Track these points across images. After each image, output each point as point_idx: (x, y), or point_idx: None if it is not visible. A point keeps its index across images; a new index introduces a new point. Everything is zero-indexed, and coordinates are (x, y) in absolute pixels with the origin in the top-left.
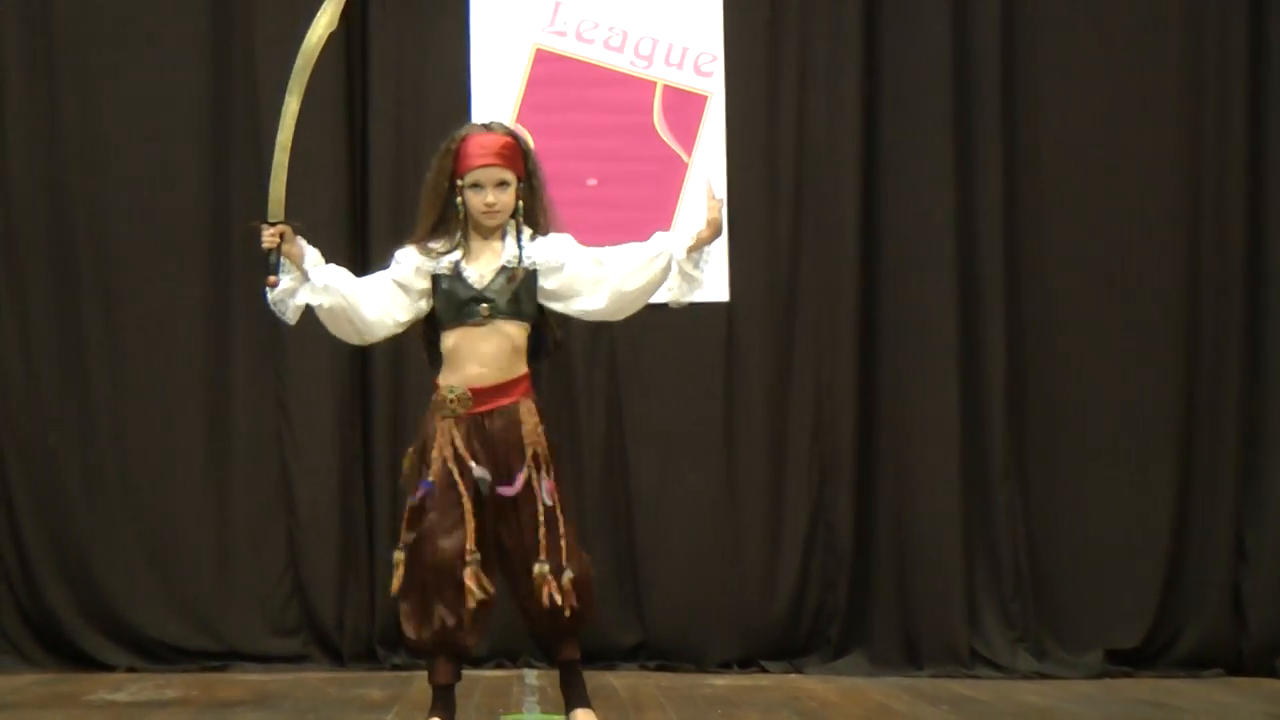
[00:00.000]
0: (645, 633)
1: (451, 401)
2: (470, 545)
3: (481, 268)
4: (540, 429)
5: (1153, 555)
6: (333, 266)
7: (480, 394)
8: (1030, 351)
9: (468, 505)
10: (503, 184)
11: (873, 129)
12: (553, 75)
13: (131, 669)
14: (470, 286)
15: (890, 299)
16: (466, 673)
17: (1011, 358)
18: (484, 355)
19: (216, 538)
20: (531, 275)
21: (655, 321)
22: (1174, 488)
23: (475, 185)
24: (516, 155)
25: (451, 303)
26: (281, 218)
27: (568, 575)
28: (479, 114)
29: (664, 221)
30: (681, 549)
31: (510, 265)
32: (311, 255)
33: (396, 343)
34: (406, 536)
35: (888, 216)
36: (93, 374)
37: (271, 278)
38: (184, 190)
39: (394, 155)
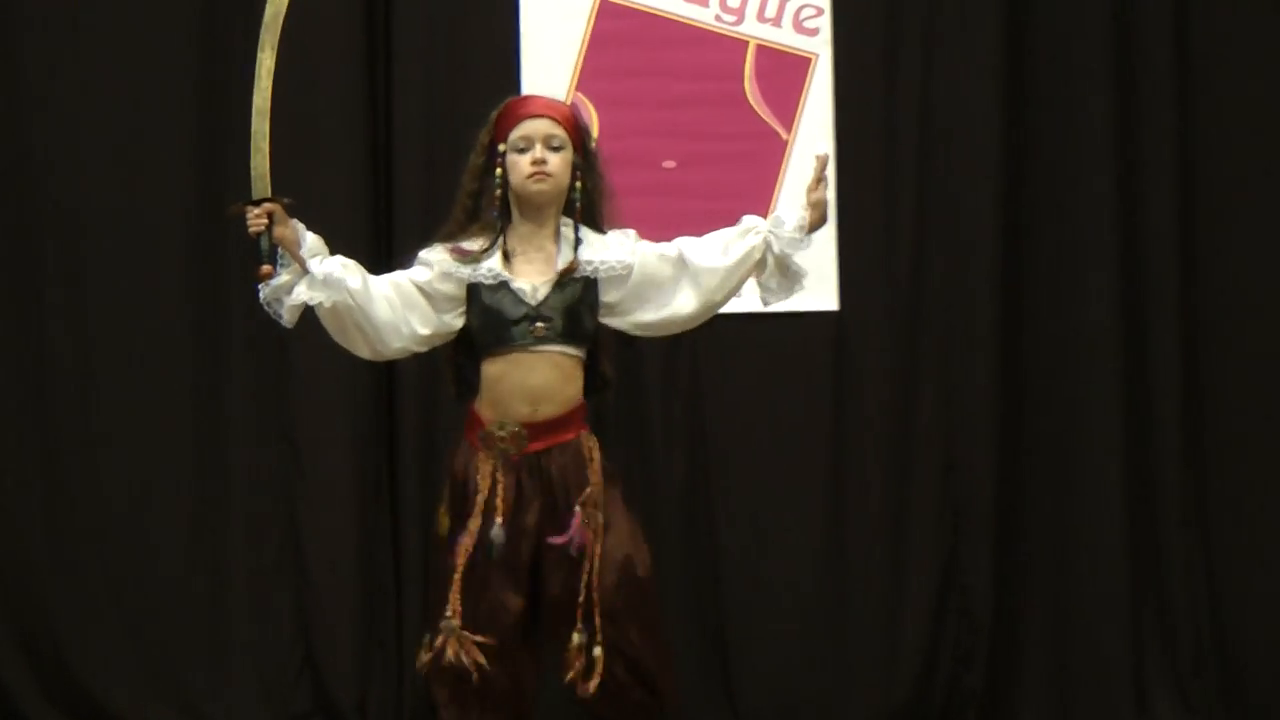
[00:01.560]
0: (734, 713)
1: (503, 440)
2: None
3: (531, 275)
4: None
5: None
6: (339, 258)
7: (536, 429)
8: (1212, 371)
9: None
10: (555, 146)
11: (1015, 98)
12: (620, 33)
13: None
14: (520, 300)
15: (1039, 308)
16: None
17: (1189, 378)
18: (535, 390)
19: (209, 602)
20: (592, 285)
21: (745, 337)
22: None
23: (521, 146)
24: (573, 124)
25: (495, 321)
26: (268, 194)
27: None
28: (529, 83)
29: (758, 210)
30: (779, 619)
31: (570, 272)
32: (310, 242)
33: (430, 359)
34: (445, 610)
35: (1034, 207)
36: (58, 400)
37: (264, 267)
38: (168, 187)
39: (424, 137)
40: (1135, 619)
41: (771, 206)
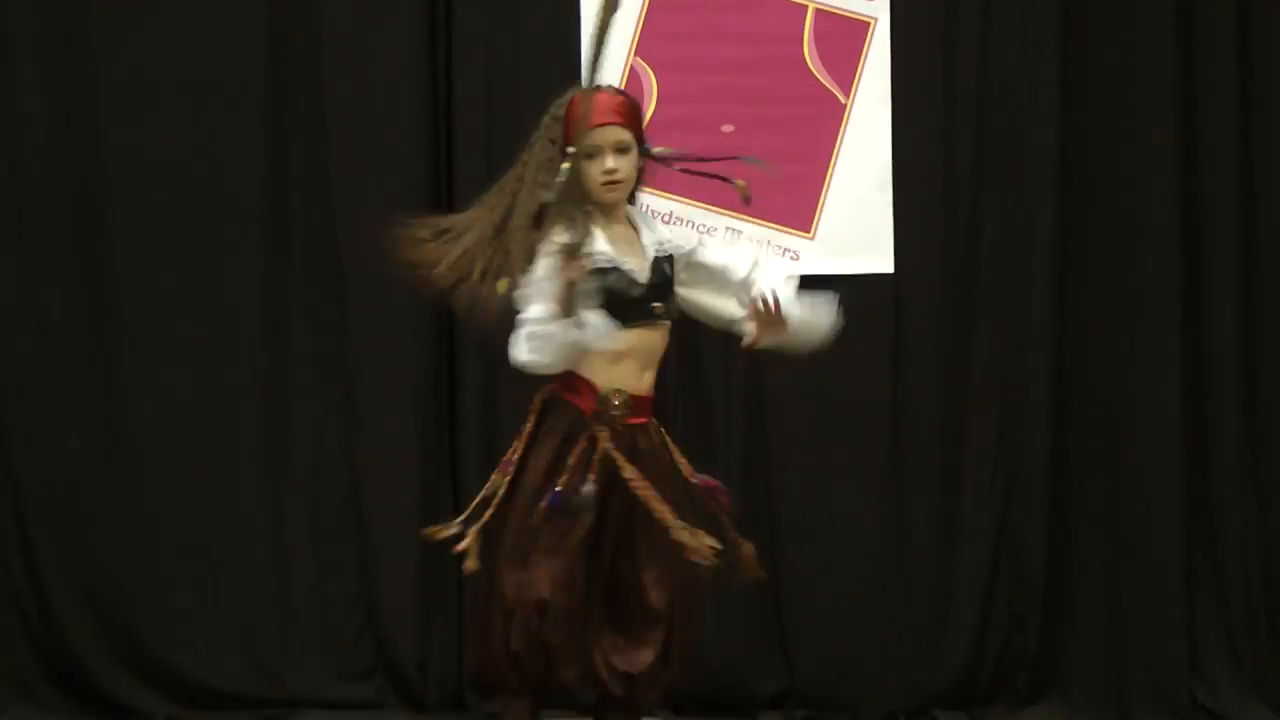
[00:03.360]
0: (792, 679)
1: (617, 407)
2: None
3: (630, 257)
4: None
5: None
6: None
7: (639, 403)
8: (1270, 331)
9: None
10: (623, 148)
11: (1076, 61)
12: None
13: (172, 718)
14: (637, 281)
15: (1096, 273)
16: None
17: (1247, 344)
18: (653, 362)
19: (274, 563)
20: (671, 263)
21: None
22: None
23: (590, 153)
24: (635, 117)
25: (618, 302)
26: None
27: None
28: (588, 45)
29: (817, 178)
30: (835, 580)
31: (661, 253)
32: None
33: (486, 328)
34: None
35: (1092, 171)
36: (123, 368)
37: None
38: (237, 155)
39: (485, 106)
40: (1189, 581)
41: (830, 170)
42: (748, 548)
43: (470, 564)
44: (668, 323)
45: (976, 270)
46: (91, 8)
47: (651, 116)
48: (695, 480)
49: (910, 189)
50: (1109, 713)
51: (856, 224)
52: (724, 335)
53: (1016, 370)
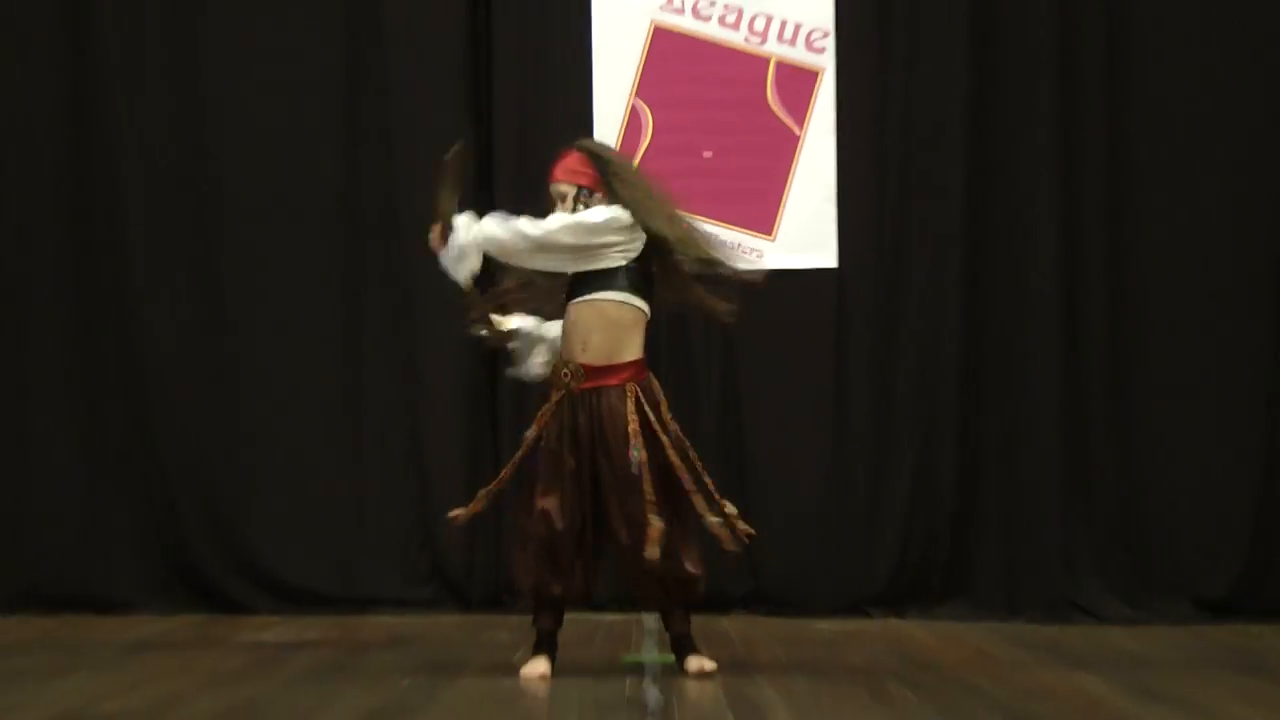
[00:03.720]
0: (756, 580)
1: (568, 375)
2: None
3: None
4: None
5: (1241, 510)
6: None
7: (590, 371)
8: (1129, 315)
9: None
10: (562, 195)
11: (980, 102)
12: (670, 52)
13: (274, 613)
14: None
15: (994, 267)
16: (589, 617)
17: (1111, 322)
18: (589, 337)
19: (354, 495)
20: None
21: (765, 290)
22: (1262, 449)
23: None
24: (577, 169)
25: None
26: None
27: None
28: (600, 90)
29: (776, 192)
30: (791, 501)
31: None
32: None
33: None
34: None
35: (992, 187)
36: (236, 343)
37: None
38: (315, 152)
39: (517, 134)
40: (1064, 507)
41: (787, 187)
42: (656, 526)
43: (460, 515)
44: (591, 299)
45: (902, 263)
46: (207, 56)
47: (648, 145)
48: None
49: (851, 202)
50: (1002, 609)
51: (808, 229)
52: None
53: (931, 340)
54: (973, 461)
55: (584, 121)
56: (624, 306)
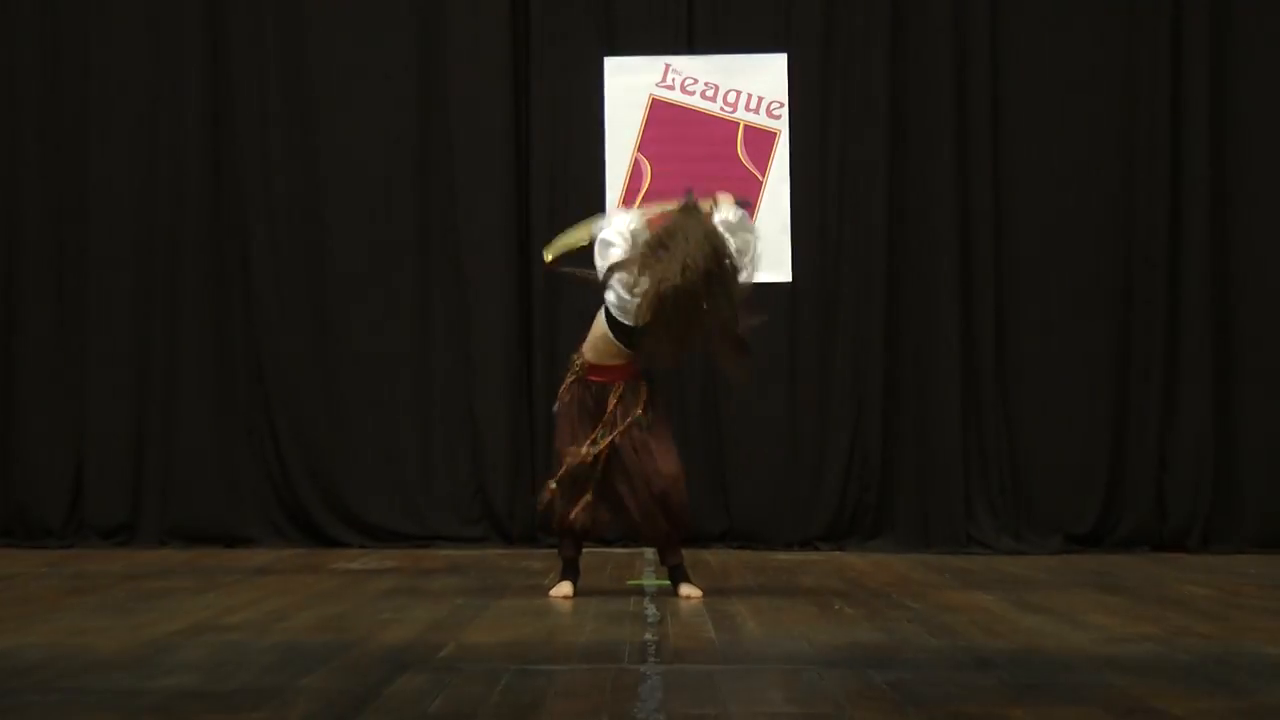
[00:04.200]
0: (730, 521)
1: (578, 367)
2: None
3: None
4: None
5: (1098, 465)
6: None
7: (593, 369)
8: (1011, 309)
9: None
10: None
11: (897, 154)
12: (664, 118)
13: (361, 547)
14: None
15: (910, 278)
16: (602, 550)
17: (997, 315)
18: (608, 356)
19: (422, 453)
20: None
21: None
22: (1115, 419)
23: None
24: None
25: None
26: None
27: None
28: (610, 147)
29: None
30: (757, 459)
31: None
32: None
33: (552, 311)
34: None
35: (909, 216)
36: (333, 338)
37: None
38: (397, 189)
39: (549, 175)
40: (966, 462)
41: (754, 220)
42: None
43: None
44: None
45: (839, 276)
46: (320, 118)
47: (647, 189)
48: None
49: (801, 230)
50: (919, 543)
51: (770, 252)
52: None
53: (864, 332)
54: (895, 429)
55: (597, 172)
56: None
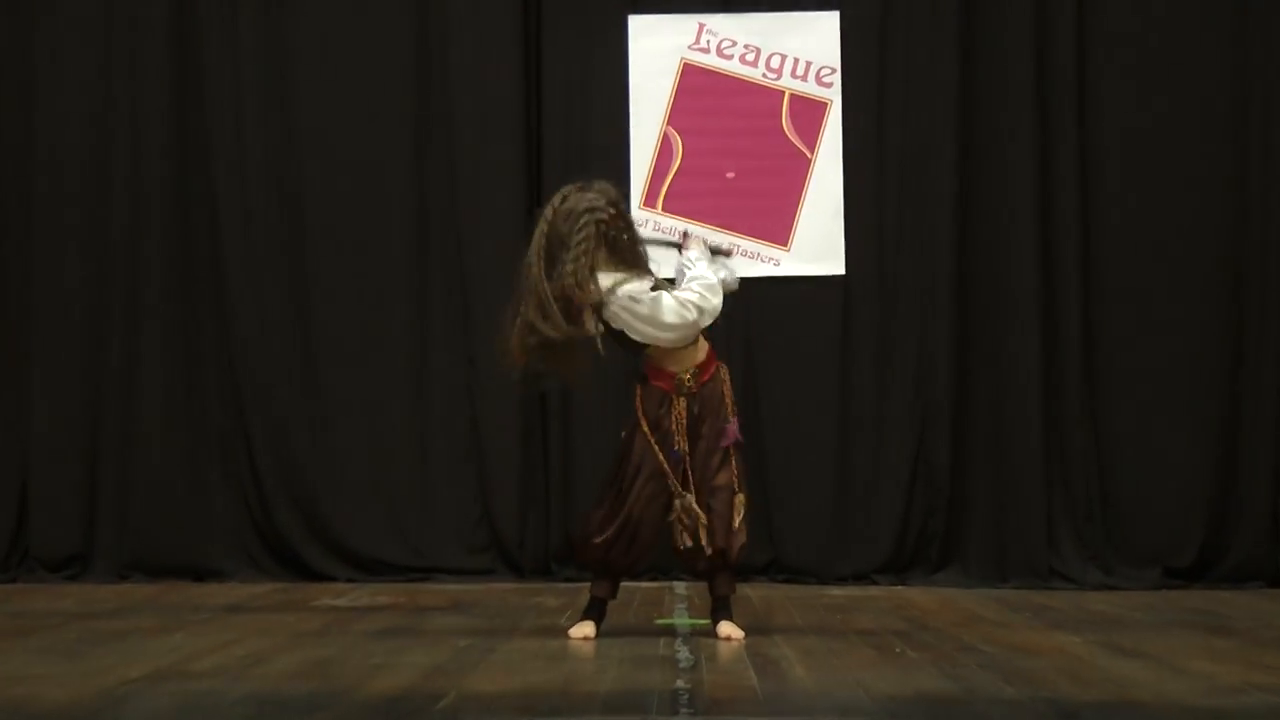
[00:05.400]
0: (775, 551)
1: (688, 381)
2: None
3: None
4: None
5: (1203, 489)
6: None
7: (700, 368)
8: (1099, 314)
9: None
10: None
11: (965, 131)
12: (698, 86)
13: (349, 580)
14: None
15: (981, 273)
16: (627, 585)
17: (1084, 321)
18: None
19: (420, 473)
20: None
21: (782, 294)
22: (1223, 433)
23: None
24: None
25: None
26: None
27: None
28: (635, 120)
29: (791, 208)
30: (806, 483)
31: None
32: None
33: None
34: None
35: (979, 203)
36: (317, 338)
37: None
38: (391, 184)
39: (563, 156)
40: (1048, 485)
41: (800, 203)
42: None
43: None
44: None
45: (899, 269)
46: (297, 91)
47: (678, 167)
48: (723, 423)
49: (856, 216)
50: (993, 576)
51: (819, 241)
52: (726, 318)
53: (929, 336)
54: (965, 446)
55: (622, 148)
56: None
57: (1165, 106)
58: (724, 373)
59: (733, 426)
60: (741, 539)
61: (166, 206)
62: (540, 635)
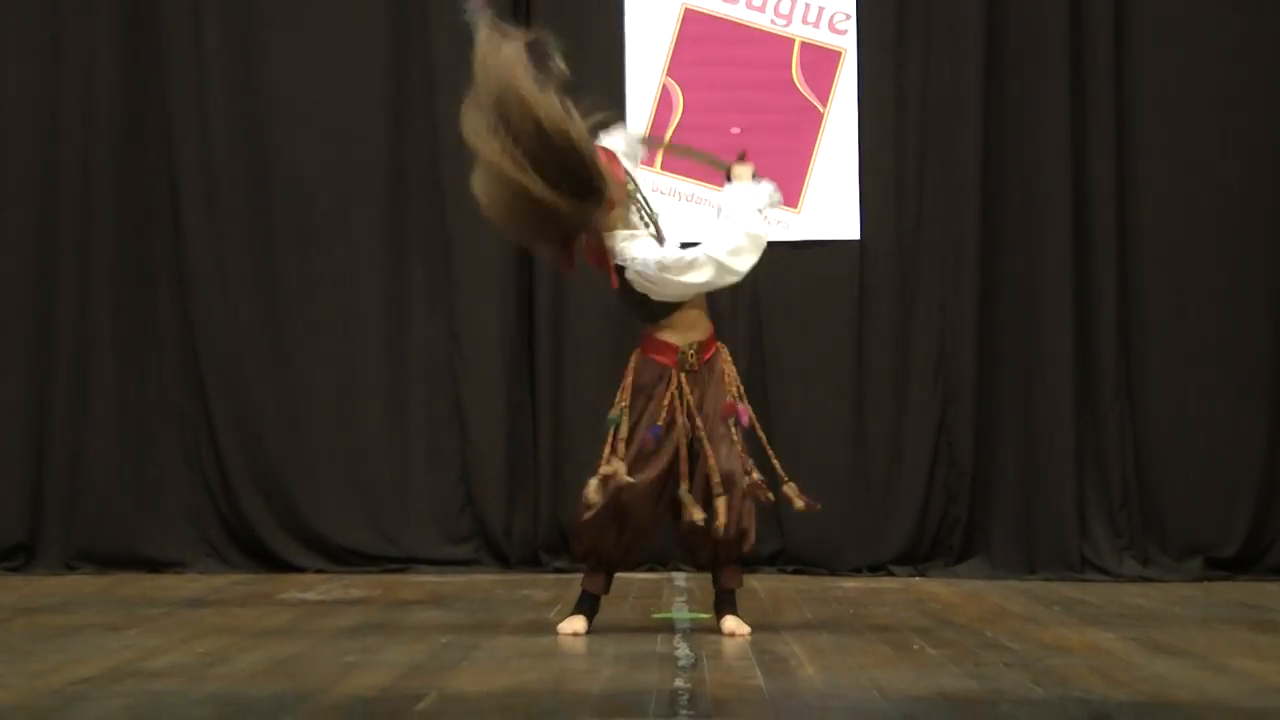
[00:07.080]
0: (783, 540)
1: (691, 356)
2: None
3: None
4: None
5: (1249, 473)
6: None
7: (703, 345)
8: (1137, 285)
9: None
10: None
11: (994, 81)
12: (700, 34)
13: (320, 571)
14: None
15: (1010, 238)
16: (622, 576)
17: (1120, 292)
18: (700, 311)
19: (397, 455)
20: None
21: (792, 259)
22: (1269, 413)
23: None
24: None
25: None
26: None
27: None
28: (632, 70)
29: (802, 167)
30: (817, 466)
31: None
32: None
33: (559, 282)
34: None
35: (1008, 162)
36: (286, 308)
37: None
38: (367, 143)
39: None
40: (1080, 468)
41: (811, 162)
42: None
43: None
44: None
45: (919, 234)
46: (264, 50)
47: (679, 121)
48: (728, 400)
49: (872, 175)
50: (1020, 567)
51: (832, 202)
52: (734, 290)
53: (951, 308)
54: (989, 425)
55: (617, 100)
56: None
57: (1211, 57)
58: (725, 353)
59: (744, 410)
60: (751, 533)
61: (120, 174)
62: (528, 631)
